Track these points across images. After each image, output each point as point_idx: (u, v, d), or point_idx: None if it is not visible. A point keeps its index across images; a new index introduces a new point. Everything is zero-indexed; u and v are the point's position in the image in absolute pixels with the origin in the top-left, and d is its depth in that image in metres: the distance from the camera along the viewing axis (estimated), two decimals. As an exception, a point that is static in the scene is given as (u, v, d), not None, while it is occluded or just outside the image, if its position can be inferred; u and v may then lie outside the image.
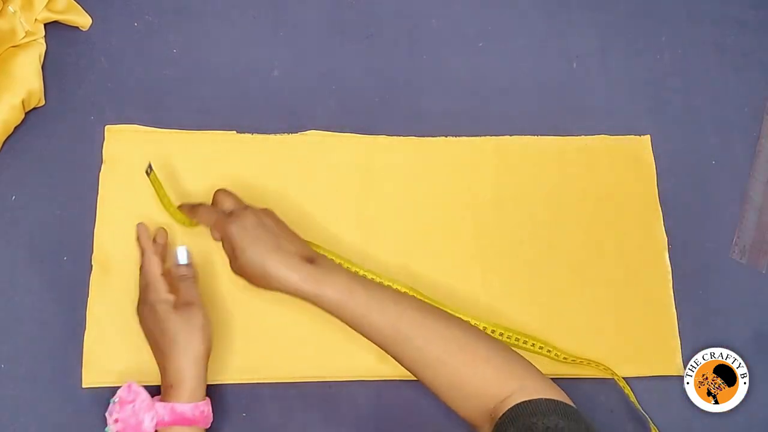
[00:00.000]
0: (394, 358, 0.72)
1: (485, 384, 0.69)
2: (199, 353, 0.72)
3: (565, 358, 0.82)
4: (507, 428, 0.65)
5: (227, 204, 0.77)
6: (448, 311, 0.78)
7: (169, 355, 0.71)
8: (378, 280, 0.80)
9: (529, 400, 0.67)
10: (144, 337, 0.77)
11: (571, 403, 0.68)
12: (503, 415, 0.66)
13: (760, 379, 0.85)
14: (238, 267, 0.73)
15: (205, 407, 0.71)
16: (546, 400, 0.67)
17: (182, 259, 0.78)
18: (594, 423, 0.66)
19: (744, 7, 0.99)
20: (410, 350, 0.71)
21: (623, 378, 0.82)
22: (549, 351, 0.82)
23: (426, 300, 0.79)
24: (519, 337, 0.82)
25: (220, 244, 0.75)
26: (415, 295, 0.80)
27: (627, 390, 0.81)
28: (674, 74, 0.95)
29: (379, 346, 0.72)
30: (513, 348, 0.79)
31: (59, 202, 0.82)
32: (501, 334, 0.82)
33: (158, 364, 0.73)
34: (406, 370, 0.74)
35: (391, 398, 0.80)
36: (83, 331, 0.78)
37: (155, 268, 0.76)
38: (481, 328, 0.81)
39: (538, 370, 0.72)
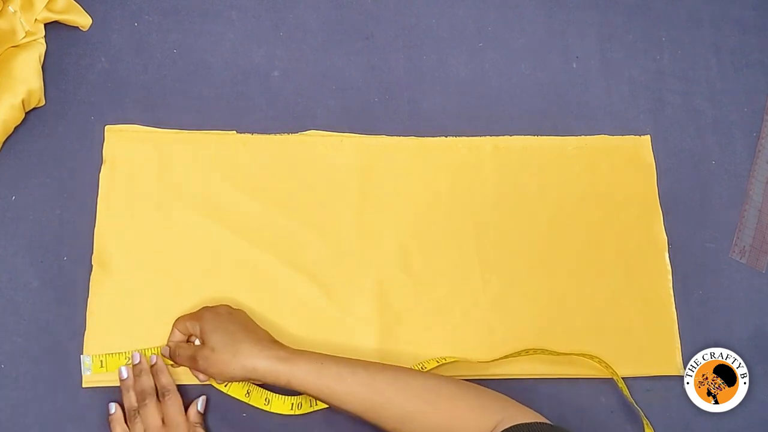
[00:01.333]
0: (375, 423, 0.72)
1: (470, 421, 0.70)
2: None
3: (558, 355, 0.82)
4: None
5: (187, 323, 0.77)
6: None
7: None
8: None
9: (522, 423, 0.67)
10: (143, 338, 0.78)
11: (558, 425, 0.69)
12: None
13: (760, 379, 0.85)
14: (207, 355, 0.72)
15: None
16: (538, 423, 0.68)
17: (201, 408, 0.77)
18: None
19: (744, 8, 0.99)
20: (391, 408, 0.71)
21: (622, 378, 0.82)
22: (542, 352, 0.82)
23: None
24: (507, 355, 0.81)
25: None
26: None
27: (620, 383, 0.81)
28: (674, 74, 0.95)
29: (357, 413, 0.72)
30: (511, 359, 0.81)
31: (59, 202, 0.82)
32: (492, 361, 0.81)
33: None
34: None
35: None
36: (83, 331, 0.78)
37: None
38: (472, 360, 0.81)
39: (514, 400, 0.72)
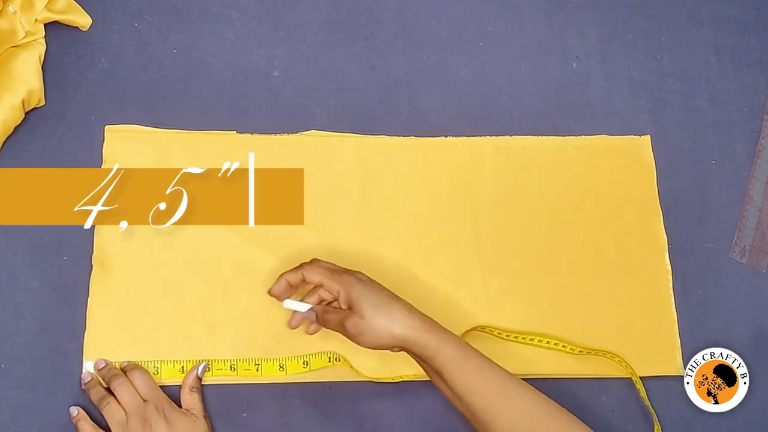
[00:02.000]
0: (484, 426, 0.71)
1: None
2: None
3: (581, 351, 0.82)
4: None
5: (325, 282, 0.75)
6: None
7: None
8: None
9: None
10: (143, 338, 0.78)
11: None
12: None
13: (760, 379, 0.85)
14: (357, 322, 0.71)
15: None
16: None
17: (200, 372, 0.77)
18: None
19: (744, 7, 0.99)
20: (507, 413, 0.71)
21: (622, 378, 0.83)
22: (564, 346, 0.82)
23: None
24: (534, 337, 0.82)
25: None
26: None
27: (638, 384, 0.82)
28: (674, 74, 0.95)
29: (475, 408, 0.71)
30: (529, 347, 0.81)
31: (59, 202, 0.82)
32: (515, 338, 0.82)
33: None
34: (406, 372, 0.74)
35: (391, 399, 0.80)
36: (83, 331, 0.78)
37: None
38: (496, 333, 0.82)
39: None
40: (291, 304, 0.77)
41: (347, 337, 0.73)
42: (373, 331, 0.71)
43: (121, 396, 0.74)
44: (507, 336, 0.82)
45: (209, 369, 0.78)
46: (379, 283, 0.75)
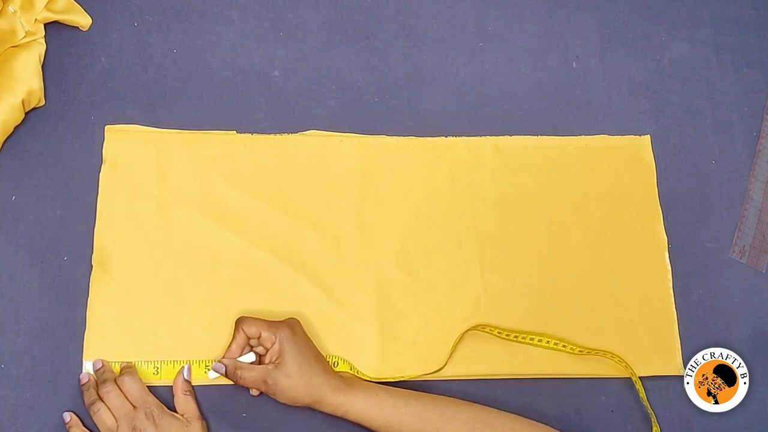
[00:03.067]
0: None
1: None
2: None
3: (581, 351, 0.82)
4: None
5: (264, 333, 0.76)
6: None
7: None
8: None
9: None
10: (144, 339, 0.78)
11: None
12: None
13: (760, 379, 0.85)
14: (279, 379, 0.73)
15: None
16: None
17: (187, 375, 0.77)
18: None
19: (744, 7, 0.99)
20: None
21: (622, 378, 0.82)
22: (564, 346, 0.82)
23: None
24: (534, 336, 0.82)
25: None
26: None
27: (638, 384, 0.82)
28: (674, 74, 0.95)
29: None
30: (529, 347, 0.82)
31: (59, 202, 0.82)
32: (515, 337, 0.82)
33: None
34: (405, 372, 0.75)
35: (391, 398, 0.80)
36: (83, 331, 0.78)
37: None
38: (495, 333, 0.82)
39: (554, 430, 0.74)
40: (212, 374, 0.77)
41: (264, 391, 0.75)
42: (293, 390, 0.74)
43: (110, 402, 0.74)
44: (507, 335, 0.82)
45: (209, 369, 0.78)
46: (307, 339, 0.77)
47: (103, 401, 0.74)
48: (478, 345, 0.82)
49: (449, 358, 0.81)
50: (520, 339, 0.82)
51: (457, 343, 0.81)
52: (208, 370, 0.78)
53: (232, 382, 0.76)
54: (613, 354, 0.82)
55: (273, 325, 0.76)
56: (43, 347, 0.78)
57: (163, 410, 0.74)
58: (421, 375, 0.80)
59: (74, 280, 0.80)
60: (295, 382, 0.74)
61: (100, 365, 0.77)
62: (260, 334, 0.76)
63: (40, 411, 0.76)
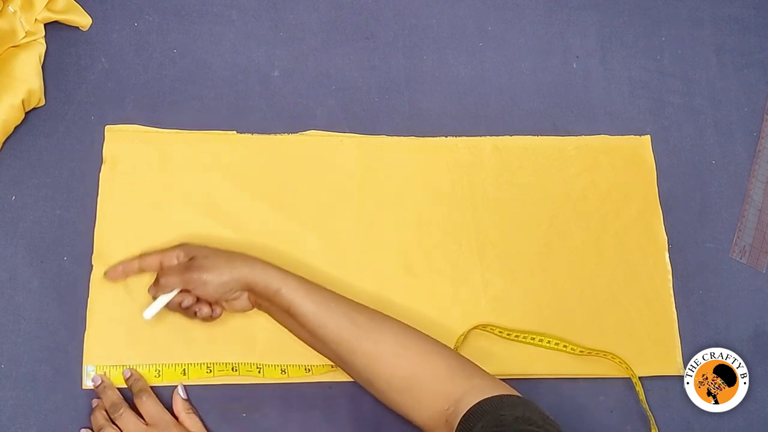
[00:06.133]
0: (347, 358, 0.73)
1: (438, 381, 0.70)
2: None
3: (581, 351, 0.82)
4: (474, 424, 0.65)
5: (168, 252, 0.77)
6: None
7: None
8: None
9: (493, 397, 0.67)
10: (144, 340, 0.78)
11: (521, 395, 0.69)
12: (468, 412, 0.67)
13: (760, 379, 0.85)
14: (200, 263, 0.74)
15: None
16: (509, 396, 0.68)
17: (183, 394, 0.77)
18: (552, 417, 0.67)
19: (744, 7, 0.99)
20: (365, 342, 0.72)
21: (623, 378, 0.82)
22: (564, 346, 0.82)
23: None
24: (534, 336, 0.82)
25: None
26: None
27: (638, 386, 0.82)
28: (674, 74, 0.95)
29: (331, 343, 0.73)
30: (529, 347, 0.81)
31: (59, 202, 0.82)
32: (516, 336, 0.82)
33: None
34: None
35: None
36: (83, 331, 0.78)
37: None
38: (497, 332, 0.82)
39: (483, 369, 0.73)
40: (151, 310, 0.76)
41: (191, 289, 0.74)
42: (216, 272, 0.73)
43: (125, 425, 0.73)
44: (508, 335, 0.82)
45: (211, 370, 0.78)
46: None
47: (114, 424, 0.74)
48: (479, 345, 0.82)
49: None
50: (521, 339, 0.82)
51: (460, 343, 0.81)
52: (210, 371, 0.78)
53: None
54: (614, 355, 0.82)
55: (170, 248, 0.77)
56: (43, 347, 0.78)
57: (180, 428, 0.74)
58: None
59: (74, 280, 0.80)
60: (215, 262, 0.73)
61: (100, 381, 0.76)
62: (160, 260, 0.76)
63: (40, 411, 0.76)
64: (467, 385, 0.69)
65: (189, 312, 0.76)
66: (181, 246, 0.77)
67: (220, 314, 0.77)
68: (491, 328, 0.82)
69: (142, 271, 0.78)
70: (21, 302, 0.79)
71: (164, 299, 0.75)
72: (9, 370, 0.77)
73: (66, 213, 0.81)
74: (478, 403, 0.67)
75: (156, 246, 0.80)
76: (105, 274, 0.78)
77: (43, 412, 0.76)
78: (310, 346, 0.77)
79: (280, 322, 0.78)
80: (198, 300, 0.75)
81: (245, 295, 0.76)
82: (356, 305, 0.75)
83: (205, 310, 0.75)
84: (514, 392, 0.69)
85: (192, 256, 0.75)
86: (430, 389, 0.70)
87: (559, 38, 0.95)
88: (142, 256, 0.78)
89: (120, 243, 0.81)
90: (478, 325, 0.82)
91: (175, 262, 0.76)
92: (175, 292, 0.75)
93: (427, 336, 0.75)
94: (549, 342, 0.82)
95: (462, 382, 0.70)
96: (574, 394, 0.83)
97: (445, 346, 0.74)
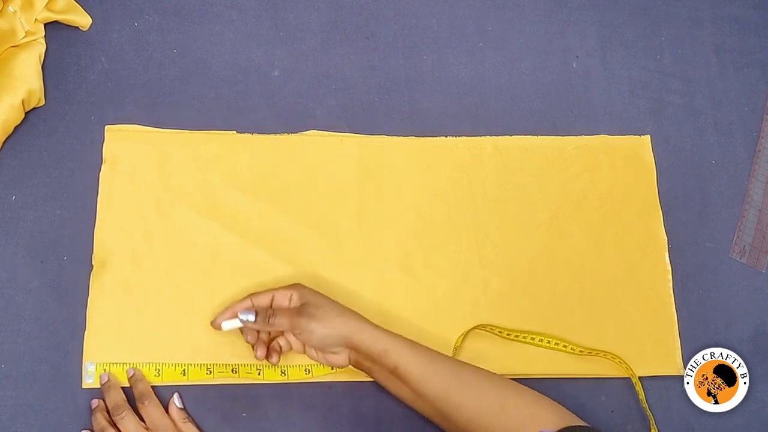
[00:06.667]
0: (447, 417, 0.73)
1: (533, 426, 0.71)
2: None
3: (581, 351, 0.82)
4: None
5: (265, 297, 0.76)
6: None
7: None
8: None
9: (576, 426, 0.69)
10: (144, 339, 0.78)
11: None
12: None
13: (760, 379, 0.85)
14: (311, 312, 0.73)
15: None
16: (577, 427, 0.69)
17: (179, 403, 0.77)
18: None
19: (744, 7, 0.99)
20: (468, 401, 0.72)
21: (622, 378, 0.82)
22: (564, 346, 0.82)
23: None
24: (534, 336, 0.82)
25: None
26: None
27: (638, 386, 0.82)
28: (674, 74, 0.95)
29: (436, 400, 0.73)
30: (529, 347, 0.82)
31: (59, 202, 0.82)
32: (516, 336, 0.82)
33: None
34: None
35: (390, 398, 0.80)
36: (83, 331, 0.78)
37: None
38: (497, 332, 0.82)
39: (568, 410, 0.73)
40: (229, 324, 0.76)
41: (296, 335, 0.74)
42: (324, 325, 0.73)
43: (126, 428, 0.73)
44: (508, 335, 0.82)
45: (211, 371, 0.78)
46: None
47: (115, 426, 0.74)
48: (479, 345, 0.82)
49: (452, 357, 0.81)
50: (521, 339, 0.82)
51: (459, 343, 0.81)
52: (210, 372, 0.78)
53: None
54: (614, 355, 0.82)
55: (285, 287, 0.76)
56: (43, 347, 0.78)
57: None
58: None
59: (74, 280, 0.80)
60: (327, 312, 0.73)
61: (107, 379, 0.76)
62: (272, 297, 0.76)
63: (40, 411, 0.76)
64: (558, 425, 0.70)
65: (269, 347, 0.77)
66: (295, 287, 0.76)
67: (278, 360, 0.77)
68: (491, 328, 0.82)
69: (253, 308, 0.76)
70: (21, 302, 0.79)
71: (247, 318, 0.74)
72: (9, 370, 0.77)
73: (66, 213, 0.81)
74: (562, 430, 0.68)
75: (155, 246, 0.81)
76: (213, 323, 0.76)
77: (43, 411, 0.76)
78: (410, 404, 0.76)
79: (380, 382, 0.76)
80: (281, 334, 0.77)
81: (346, 352, 0.75)
82: (461, 363, 0.75)
83: (283, 346, 0.77)
84: (579, 421, 0.71)
85: (304, 302, 0.74)
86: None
87: (559, 38, 0.95)
88: (253, 295, 0.76)
89: (120, 243, 0.81)
90: (478, 325, 0.82)
91: (286, 303, 0.76)
92: (253, 318, 0.74)
93: (517, 384, 0.75)
94: (549, 342, 0.82)
95: (553, 423, 0.71)
96: (574, 394, 0.83)
97: (532, 391, 0.75)
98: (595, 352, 0.82)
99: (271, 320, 0.74)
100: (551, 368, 0.83)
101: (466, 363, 0.76)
